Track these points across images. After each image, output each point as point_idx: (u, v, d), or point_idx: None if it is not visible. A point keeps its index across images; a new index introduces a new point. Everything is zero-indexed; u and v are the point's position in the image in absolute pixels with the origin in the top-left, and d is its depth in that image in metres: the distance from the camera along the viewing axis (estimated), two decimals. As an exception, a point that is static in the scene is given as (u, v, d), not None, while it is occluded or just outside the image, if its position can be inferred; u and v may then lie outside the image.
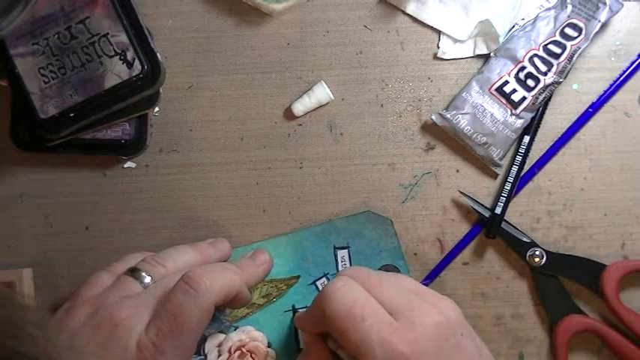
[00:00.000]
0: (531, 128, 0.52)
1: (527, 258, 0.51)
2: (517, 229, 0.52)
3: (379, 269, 0.52)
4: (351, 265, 0.52)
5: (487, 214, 0.52)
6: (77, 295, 0.46)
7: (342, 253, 0.52)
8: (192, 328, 0.43)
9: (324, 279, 0.52)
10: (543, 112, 0.52)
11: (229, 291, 0.45)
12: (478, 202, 0.52)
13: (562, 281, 0.51)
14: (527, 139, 0.52)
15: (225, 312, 0.49)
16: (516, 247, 0.52)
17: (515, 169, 0.52)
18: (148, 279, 0.45)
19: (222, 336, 0.51)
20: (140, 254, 0.49)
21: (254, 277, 0.50)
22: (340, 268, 0.52)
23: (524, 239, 0.51)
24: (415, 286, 0.45)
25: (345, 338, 0.41)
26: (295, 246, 0.53)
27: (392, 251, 0.52)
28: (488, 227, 0.52)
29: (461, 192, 0.52)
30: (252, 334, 0.51)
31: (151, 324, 0.43)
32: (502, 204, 0.51)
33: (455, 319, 0.42)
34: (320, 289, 0.52)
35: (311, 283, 0.52)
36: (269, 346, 0.51)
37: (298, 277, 0.52)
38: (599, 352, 0.52)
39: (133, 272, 0.46)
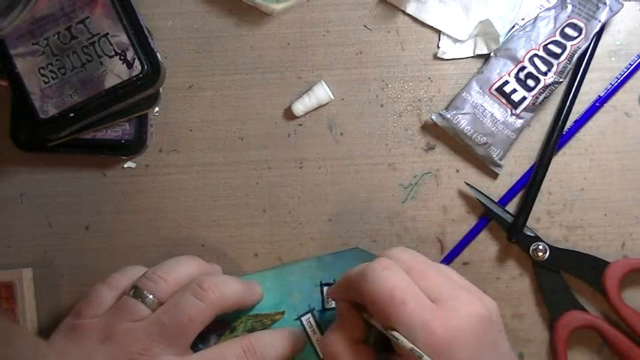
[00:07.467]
0: (555, 132, 0.52)
1: (530, 252, 0.51)
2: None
3: None
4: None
5: (492, 206, 0.52)
6: (79, 312, 0.46)
7: (329, 290, 0.51)
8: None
9: (309, 315, 0.51)
10: (566, 118, 0.52)
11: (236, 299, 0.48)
12: (483, 194, 0.52)
13: (564, 277, 0.51)
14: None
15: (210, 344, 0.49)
16: (520, 241, 0.52)
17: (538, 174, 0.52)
18: (150, 297, 0.46)
19: None
20: (140, 268, 0.49)
21: (254, 294, 0.51)
22: (326, 305, 0.51)
23: (529, 233, 0.52)
24: (459, 278, 0.44)
25: (385, 319, 0.40)
26: (282, 281, 0.51)
27: None
28: (509, 232, 0.51)
29: (467, 183, 0.52)
30: None
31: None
32: (523, 208, 0.51)
33: (495, 315, 0.42)
34: (305, 324, 0.51)
35: (296, 319, 0.51)
36: None
37: (283, 312, 0.51)
38: (599, 349, 0.52)
39: (135, 291, 0.46)
